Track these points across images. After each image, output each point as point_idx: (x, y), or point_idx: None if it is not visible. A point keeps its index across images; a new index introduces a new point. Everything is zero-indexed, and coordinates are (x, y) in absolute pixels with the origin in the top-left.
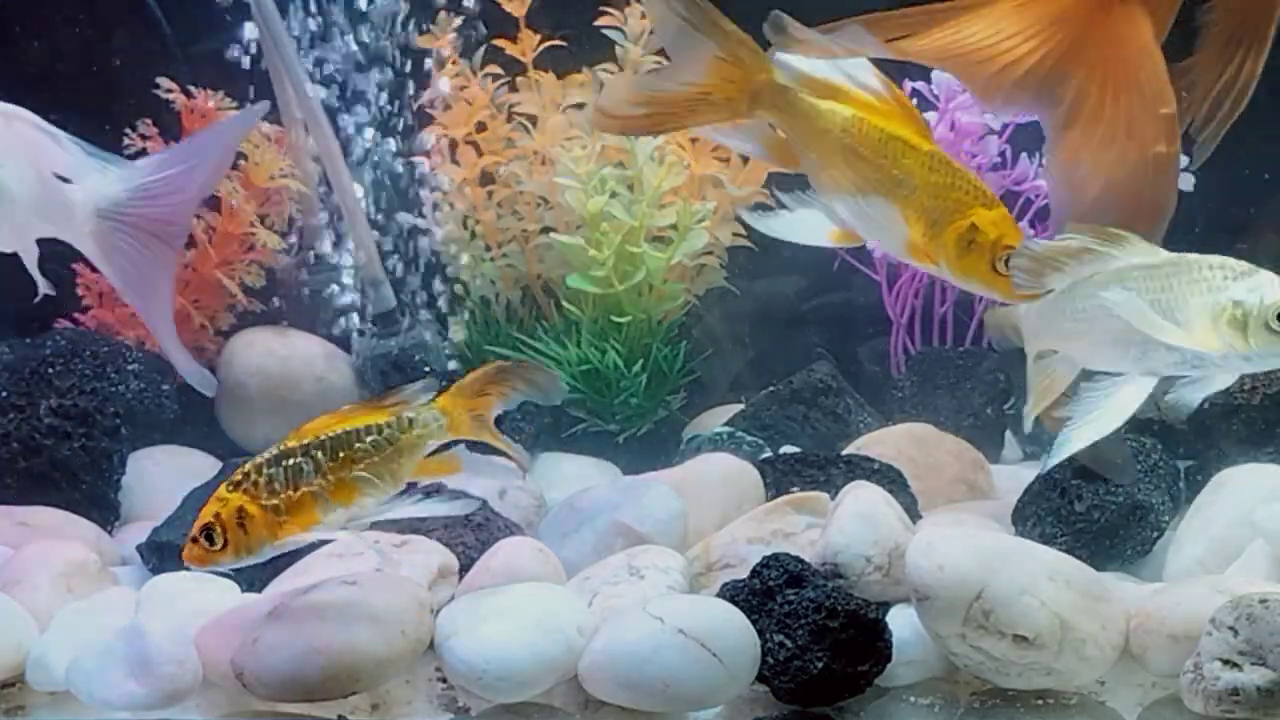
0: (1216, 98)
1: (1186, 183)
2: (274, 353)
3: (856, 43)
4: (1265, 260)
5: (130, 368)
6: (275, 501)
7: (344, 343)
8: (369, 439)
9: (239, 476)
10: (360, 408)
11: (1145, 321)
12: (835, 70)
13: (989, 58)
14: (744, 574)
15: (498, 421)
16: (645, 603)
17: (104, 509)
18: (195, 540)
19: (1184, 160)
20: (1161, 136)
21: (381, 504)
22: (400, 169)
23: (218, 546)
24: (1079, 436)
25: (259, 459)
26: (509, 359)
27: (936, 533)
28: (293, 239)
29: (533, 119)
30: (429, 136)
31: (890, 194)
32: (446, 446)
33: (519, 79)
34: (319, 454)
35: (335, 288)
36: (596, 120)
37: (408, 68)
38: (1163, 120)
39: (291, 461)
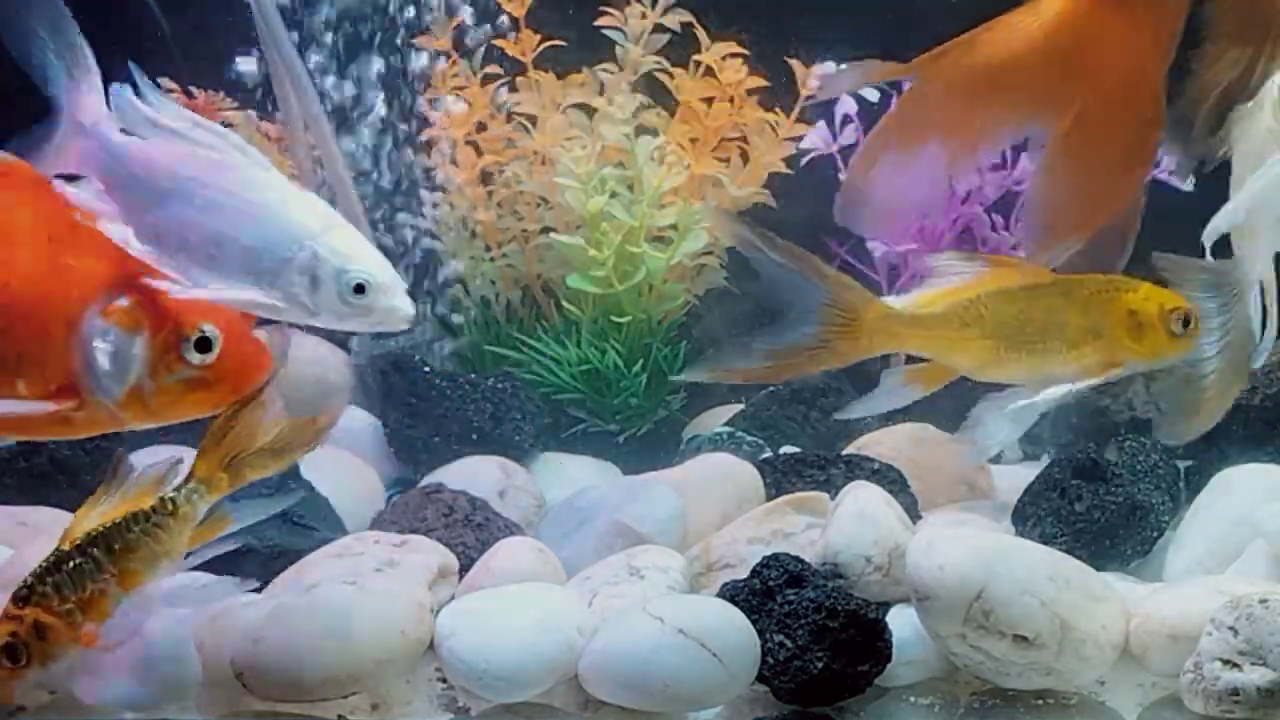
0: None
1: (1186, 184)
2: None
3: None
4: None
5: None
6: (68, 606)
7: (344, 343)
8: (138, 528)
9: (24, 591)
10: (105, 496)
11: None
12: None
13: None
14: (744, 574)
15: (498, 420)
16: (645, 603)
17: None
18: None
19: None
20: (1146, 160)
21: (170, 573)
22: (401, 169)
23: (22, 663)
24: None
25: (38, 568)
26: (508, 359)
27: (936, 533)
28: None
29: (533, 119)
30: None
31: (1046, 346)
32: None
33: (519, 79)
34: (95, 551)
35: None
36: (723, 378)
37: (408, 68)
38: (1151, 146)
39: (72, 564)
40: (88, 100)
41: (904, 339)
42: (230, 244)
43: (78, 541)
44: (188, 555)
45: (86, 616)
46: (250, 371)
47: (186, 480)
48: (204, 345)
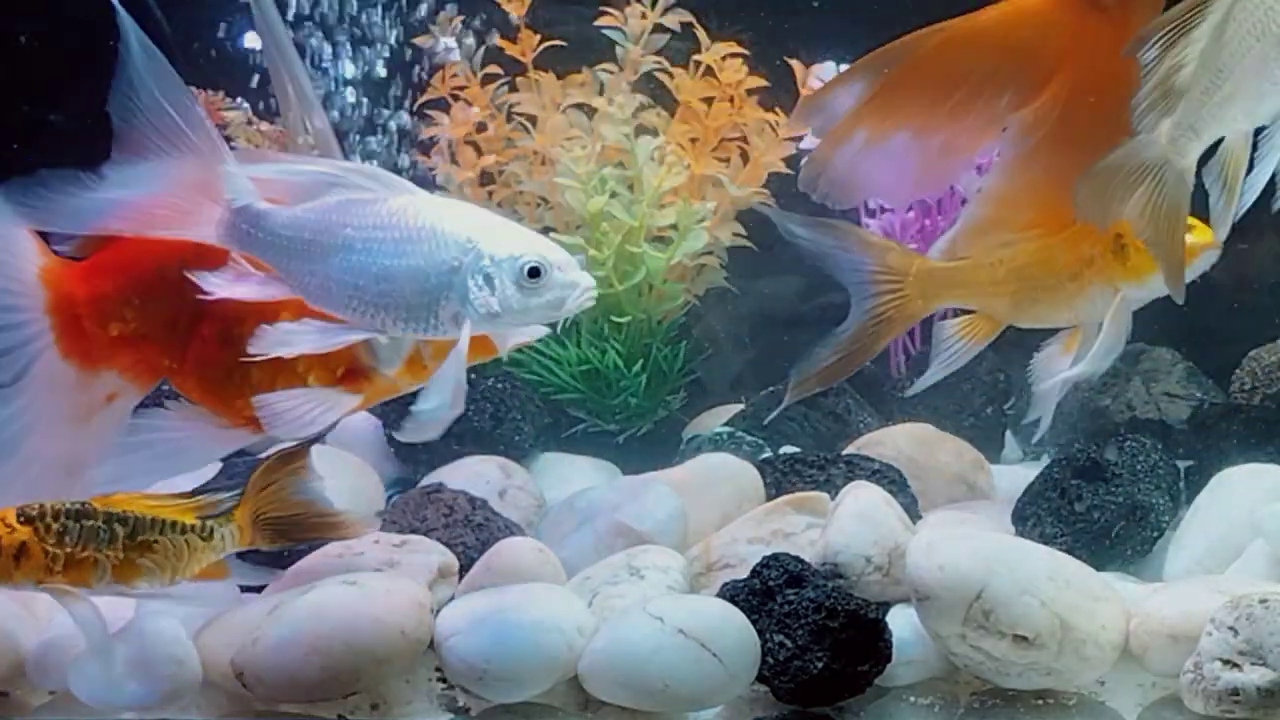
0: None
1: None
2: None
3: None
4: (1266, 260)
5: None
6: (58, 551)
7: None
8: (170, 536)
9: (35, 511)
10: (170, 499)
11: None
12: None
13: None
14: (744, 574)
15: (498, 420)
16: (645, 603)
17: None
18: None
19: None
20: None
21: (148, 590)
22: (401, 169)
23: None
24: None
25: (63, 504)
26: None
27: (936, 533)
28: None
29: (533, 119)
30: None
31: (1058, 284)
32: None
33: (519, 79)
34: (119, 527)
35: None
36: (811, 387)
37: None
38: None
39: (91, 523)
40: (236, 182)
41: (946, 295)
42: (397, 274)
43: (111, 510)
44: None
45: (65, 572)
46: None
47: (228, 517)
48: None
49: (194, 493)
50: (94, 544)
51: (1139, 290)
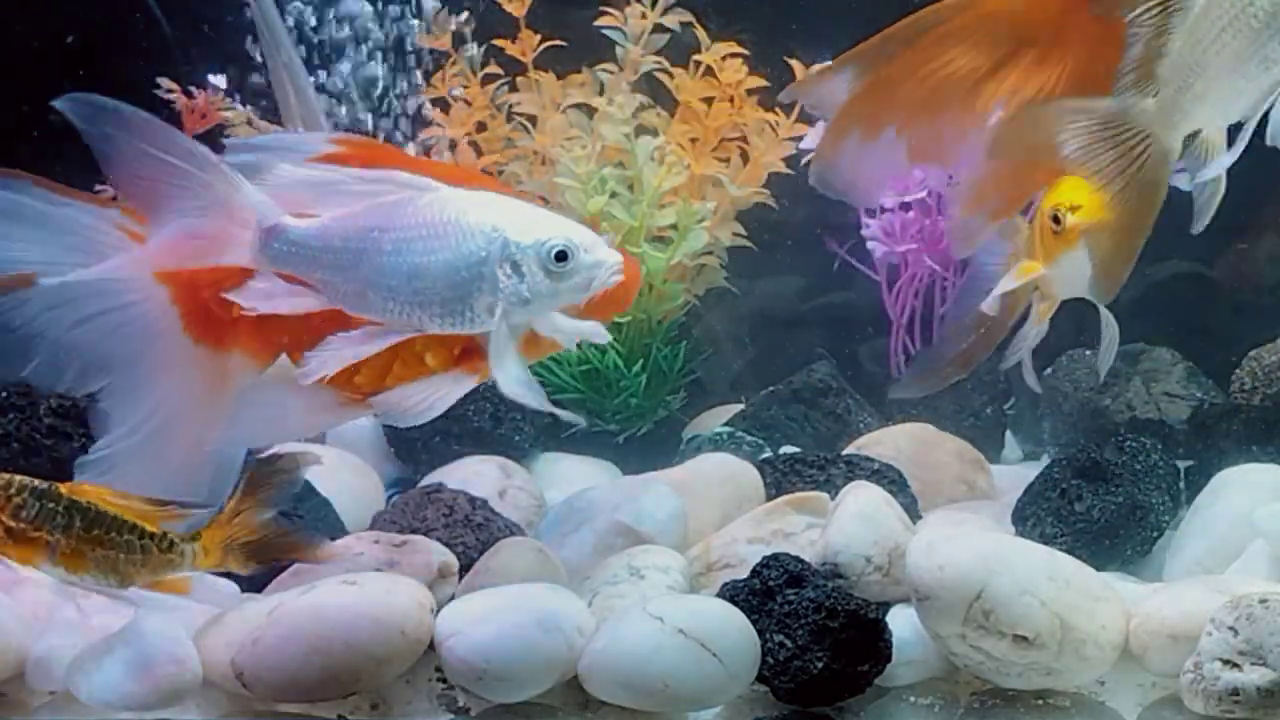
0: None
1: (1182, 181)
2: None
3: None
4: (1266, 261)
5: None
6: (13, 524)
7: None
8: (126, 537)
9: (2, 481)
10: (138, 502)
11: None
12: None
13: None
14: (744, 574)
15: (498, 420)
16: (645, 603)
17: None
18: None
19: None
20: None
21: (95, 587)
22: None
23: None
24: None
25: (25, 480)
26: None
27: (936, 533)
28: None
29: (533, 119)
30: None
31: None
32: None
33: (519, 79)
34: (78, 517)
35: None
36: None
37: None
38: None
39: (51, 505)
40: (261, 205)
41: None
42: (428, 270)
43: (75, 499)
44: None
45: (15, 547)
46: (616, 294)
47: (195, 536)
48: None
49: (169, 503)
50: (48, 526)
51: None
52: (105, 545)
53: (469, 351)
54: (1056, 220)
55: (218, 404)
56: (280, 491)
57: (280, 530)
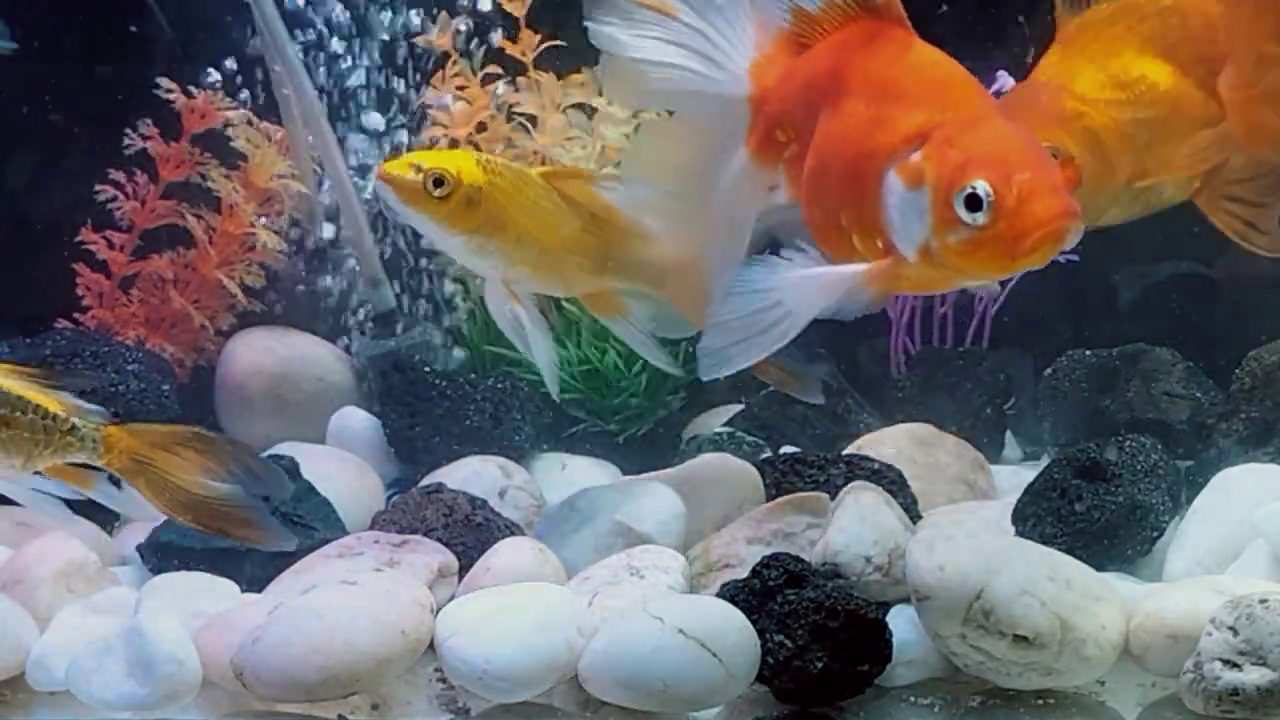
0: None
1: None
2: (274, 353)
3: None
4: (1266, 261)
5: (130, 368)
6: None
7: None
8: (29, 416)
9: None
10: (35, 376)
11: None
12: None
13: None
14: (744, 574)
15: (498, 420)
16: (645, 603)
17: (104, 509)
18: None
19: None
20: None
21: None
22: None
23: None
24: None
25: None
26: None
27: (936, 533)
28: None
29: (533, 119)
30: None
31: None
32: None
33: (519, 79)
34: None
35: (334, 287)
36: None
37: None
38: None
39: None
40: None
41: None
42: None
43: None
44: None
45: None
46: (1031, 234)
47: (99, 428)
48: (973, 203)
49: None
50: None
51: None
52: (8, 425)
53: (891, 247)
54: None
55: (744, 220)
56: (230, 468)
57: (225, 501)
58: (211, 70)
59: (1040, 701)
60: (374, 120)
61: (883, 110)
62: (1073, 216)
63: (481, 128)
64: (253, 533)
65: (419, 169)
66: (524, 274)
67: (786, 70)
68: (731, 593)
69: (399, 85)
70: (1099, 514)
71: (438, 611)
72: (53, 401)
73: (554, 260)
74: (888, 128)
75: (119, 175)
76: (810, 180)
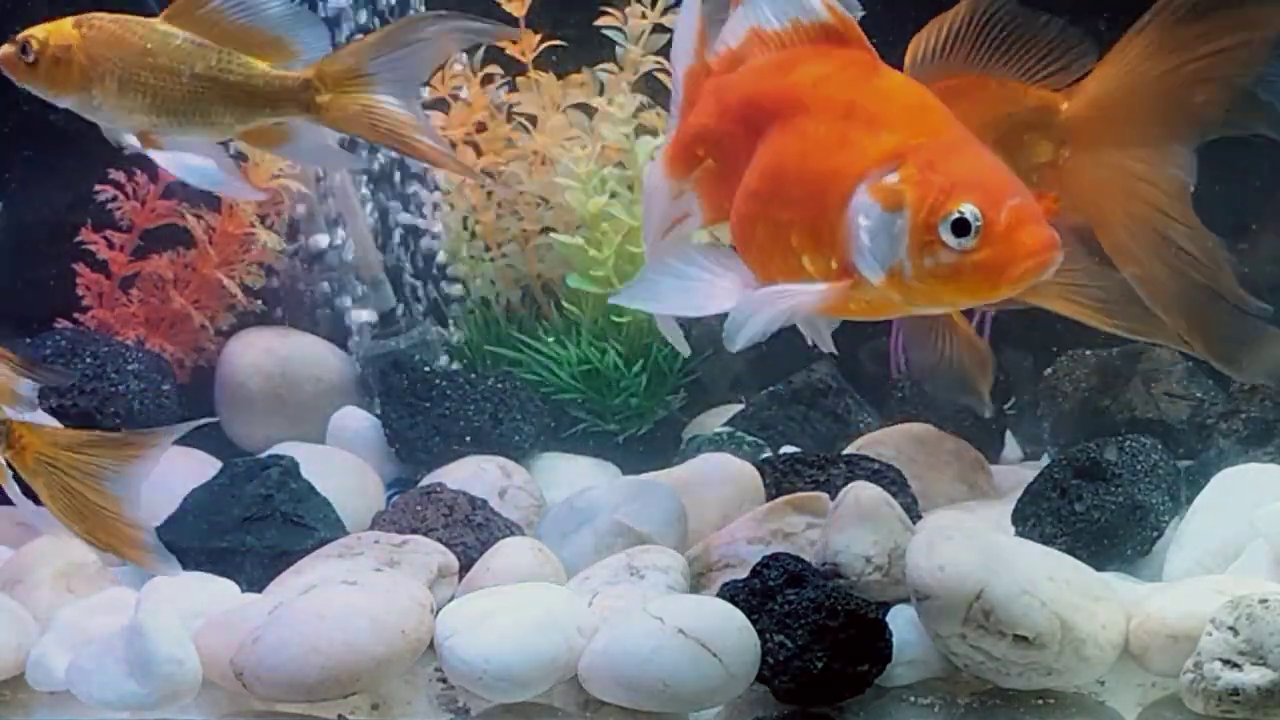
0: None
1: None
2: (274, 353)
3: None
4: (1265, 261)
5: (130, 368)
6: None
7: (344, 342)
8: None
9: None
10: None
11: None
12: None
13: None
14: (744, 574)
15: (498, 420)
16: (645, 603)
17: None
18: None
19: None
20: None
21: None
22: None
23: None
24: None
25: None
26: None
27: (936, 533)
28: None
29: (533, 119)
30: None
31: None
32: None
33: (519, 79)
34: None
35: (333, 287)
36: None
37: None
38: None
39: None
40: None
41: None
42: None
43: None
44: None
45: None
46: (1020, 262)
47: (5, 421)
48: (961, 228)
49: None
50: None
51: None
52: None
53: (844, 269)
54: None
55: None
56: (129, 455)
57: (120, 519)
58: None
59: (1040, 701)
60: None
61: (849, 132)
62: (1058, 248)
63: (481, 127)
64: (141, 555)
65: (14, 42)
66: (161, 123)
67: (718, 84)
68: (731, 593)
69: None
70: (1099, 514)
71: (438, 611)
72: None
73: (188, 104)
74: (855, 149)
75: (119, 175)
76: (750, 198)
